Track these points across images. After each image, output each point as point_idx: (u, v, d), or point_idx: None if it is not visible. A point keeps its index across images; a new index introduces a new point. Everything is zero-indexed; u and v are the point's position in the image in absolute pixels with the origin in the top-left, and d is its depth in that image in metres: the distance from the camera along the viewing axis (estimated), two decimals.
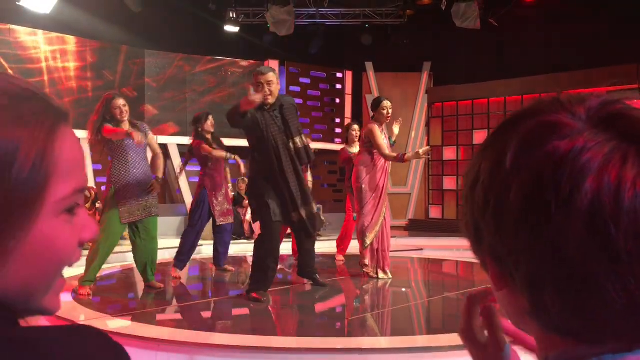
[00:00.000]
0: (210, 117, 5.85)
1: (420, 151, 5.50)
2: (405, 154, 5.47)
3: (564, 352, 0.47)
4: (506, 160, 0.47)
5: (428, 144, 12.32)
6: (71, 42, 9.41)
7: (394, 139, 6.13)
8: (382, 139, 5.56)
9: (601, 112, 0.47)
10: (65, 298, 4.50)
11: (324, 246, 7.67)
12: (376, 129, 5.58)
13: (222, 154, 5.71)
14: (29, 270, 0.51)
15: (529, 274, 0.46)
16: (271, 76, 4.52)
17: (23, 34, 8.87)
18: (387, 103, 5.72)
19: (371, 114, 5.88)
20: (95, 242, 4.73)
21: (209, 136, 5.80)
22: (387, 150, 5.55)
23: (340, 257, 7.11)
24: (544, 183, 0.44)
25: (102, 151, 5.08)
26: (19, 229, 0.49)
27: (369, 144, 5.65)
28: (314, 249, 5.12)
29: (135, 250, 5.04)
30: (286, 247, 6.90)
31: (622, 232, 0.42)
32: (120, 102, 4.84)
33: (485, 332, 0.64)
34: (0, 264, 0.49)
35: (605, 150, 0.44)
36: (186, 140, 7.46)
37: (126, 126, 4.81)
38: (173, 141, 10.20)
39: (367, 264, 5.72)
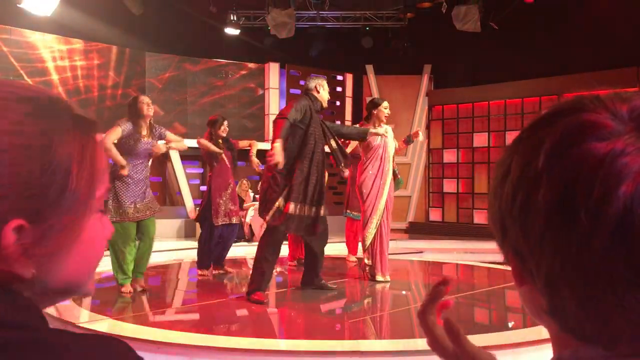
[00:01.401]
0: (225, 123, 6.04)
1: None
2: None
3: (576, 351, 0.47)
4: (539, 158, 0.45)
5: (428, 147, 12.34)
6: (78, 43, 9.58)
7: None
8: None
9: None
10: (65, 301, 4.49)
11: (331, 248, 7.66)
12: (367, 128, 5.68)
13: (216, 149, 5.85)
14: (82, 262, 0.58)
15: (549, 276, 0.45)
16: None
17: (32, 35, 9.08)
18: (384, 103, 5.80)
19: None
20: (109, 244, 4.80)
21: (220, 140, 5.97)
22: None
23: (352, 258, 7.11)
24: (575, 185, 0.42)
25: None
26: (79, 226, 0.56)
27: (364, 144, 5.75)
28: (323, 253, 5.14)
29: None
30: (285, 249, 6.90)
31: None
32: (146, 99, 5.05)
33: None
34: (65, 258, 0.56)
35: None
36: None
37: (146, 127, 4.98)
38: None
39: (369, 264, 5.73)
